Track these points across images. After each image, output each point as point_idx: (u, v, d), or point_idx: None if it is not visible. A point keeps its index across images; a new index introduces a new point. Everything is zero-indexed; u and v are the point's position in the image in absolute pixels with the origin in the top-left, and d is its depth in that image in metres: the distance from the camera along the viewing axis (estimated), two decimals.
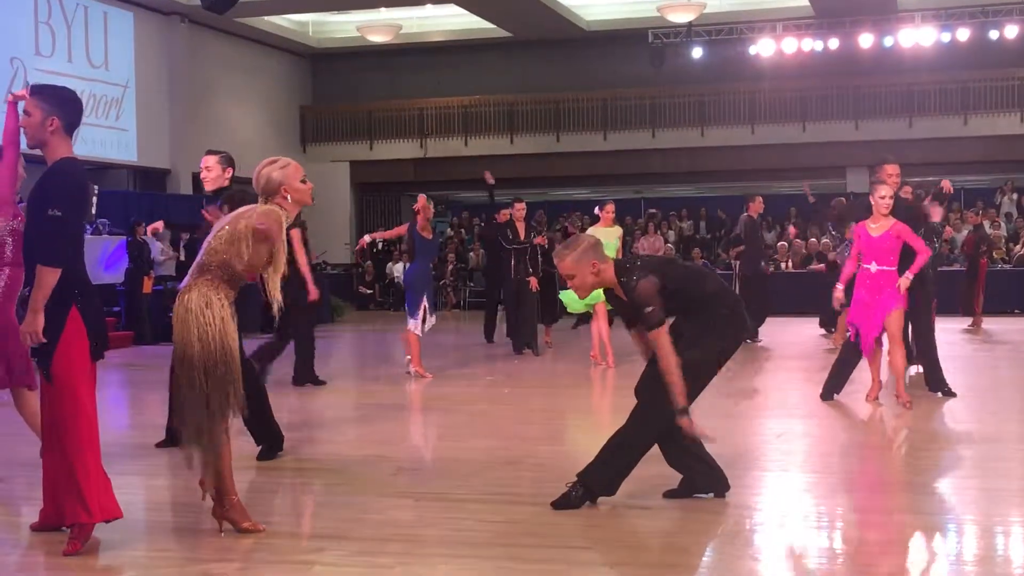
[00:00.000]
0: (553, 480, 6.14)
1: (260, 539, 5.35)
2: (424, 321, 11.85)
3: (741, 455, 7.71)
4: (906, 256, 9.10)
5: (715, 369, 6.09)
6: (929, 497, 6.36)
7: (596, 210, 13.44)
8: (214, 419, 5.29)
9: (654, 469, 7.33)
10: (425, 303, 11.85)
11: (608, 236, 12.49)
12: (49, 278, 5.10)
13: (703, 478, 6.11)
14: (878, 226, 9.13)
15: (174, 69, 23.31)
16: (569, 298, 12.33)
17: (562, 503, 5.84)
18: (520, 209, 14.67)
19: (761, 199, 16.34)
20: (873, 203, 9.18)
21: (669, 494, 6.07)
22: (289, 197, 5.43)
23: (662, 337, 5.73)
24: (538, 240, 14.82)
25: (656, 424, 5.94)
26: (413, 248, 12.08)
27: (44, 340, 5.17)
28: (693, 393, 5.91)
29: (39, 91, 5.44)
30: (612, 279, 5.88)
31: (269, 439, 7.36)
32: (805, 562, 5.11)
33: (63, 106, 5.38)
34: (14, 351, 6.57)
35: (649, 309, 5.73)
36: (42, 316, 5.12)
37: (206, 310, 5.27)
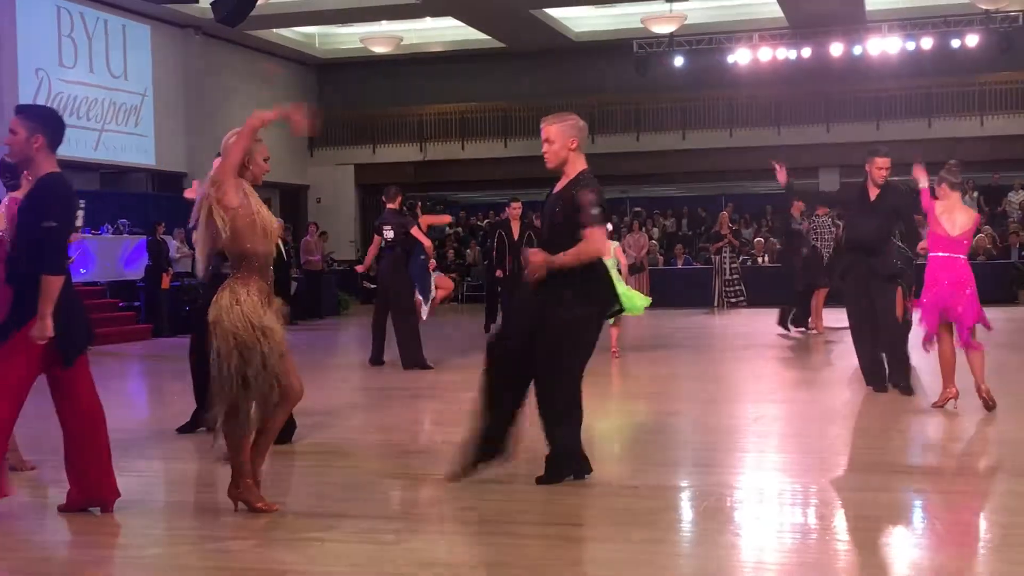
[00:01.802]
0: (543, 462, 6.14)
1: (274, 518, 5.36)
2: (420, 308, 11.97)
3: (721, 437, 7.75)
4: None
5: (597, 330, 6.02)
6: (896, 475, 6.39)
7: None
8: (243, 403, 5.29)
9: (643, 452, 7.37)
10: (418, 295, 11.95)
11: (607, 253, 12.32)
12: (54, 285, 5.14)
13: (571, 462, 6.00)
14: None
15: (189, 78, 23.28)
16: None
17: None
18: (516, 208, 14.68)
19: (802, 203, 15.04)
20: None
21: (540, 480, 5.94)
22: (250, 169, 5.44)
23: (598, 235, 5.72)
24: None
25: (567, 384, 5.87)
26: (412, 246, 12.07)
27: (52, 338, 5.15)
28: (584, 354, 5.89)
29: (23, 111, 5.45)
30: (575, 170, 5.86)
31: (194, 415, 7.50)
32: (781, 536, 5.14)
33: (47, 124, 5.40)
34: None
35: (596, 211, 5.71)
36: (51, 321, 5.12)
37: (235, 306, 5.26)
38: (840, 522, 5.38)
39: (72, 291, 5.41)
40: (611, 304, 6.06)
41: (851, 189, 9.30)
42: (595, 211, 5.72)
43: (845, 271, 9.30)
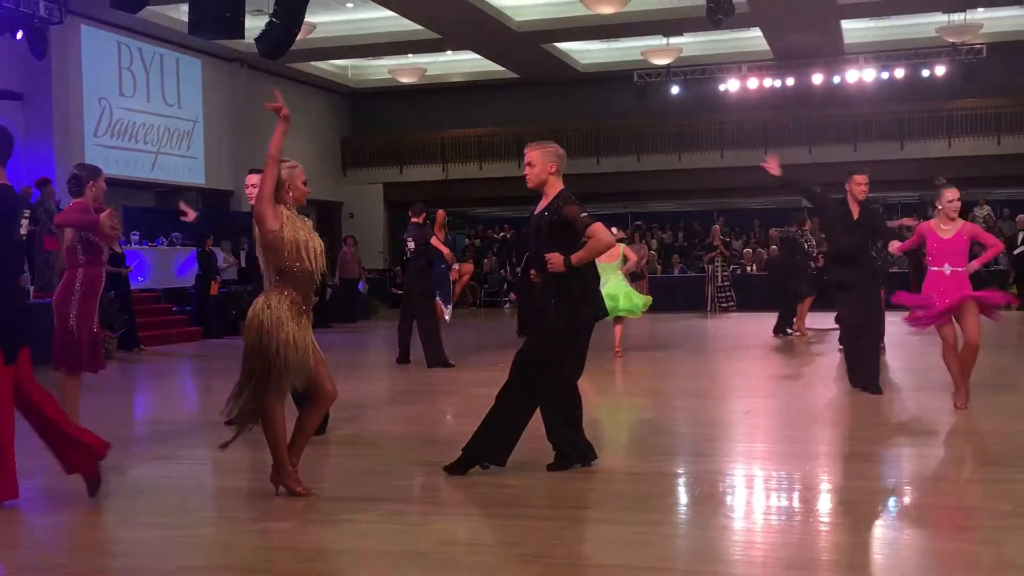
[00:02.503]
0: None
1: (311, 501, 5.36)
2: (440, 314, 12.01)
3: (715, 429, 7.71)
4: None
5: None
6: (872, 464, 6.35)
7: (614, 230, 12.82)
8: (267, 398, 5.29)
9: (644, 443, 7.34)
10: (438, 299, 11.99)
11: (609, 255, 12.25)
12: None
13: (575, 452, 5.96)
14: (949, 228, 7.94)
15: (235, 106, 23.35)
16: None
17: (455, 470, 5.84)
18: None
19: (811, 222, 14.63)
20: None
21: (551, 467, 5.92)
22: (291, 194, 5.42)
23: (600, 230, 5.65)
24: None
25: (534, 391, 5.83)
26: (433, 256, 12.08)
27: None
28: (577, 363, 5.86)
29: None
30: (554, 191, 5.83)
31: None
32: (768, 519, 5.11)
33: None
34: (86, 340, 6.63)
35: (583, 215, 5.68)
36: None
37: (265, 310, 5.28)
38: (823, 506, 5.35)
39: (14, 292, 5.39)
40: (596, 309, 5.93)
41: (833, 205, 9.22)
42: (584, 215, 5.71)
43: (840, 283, 9.13)
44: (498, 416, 5.86)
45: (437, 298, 12.03)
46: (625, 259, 12.55)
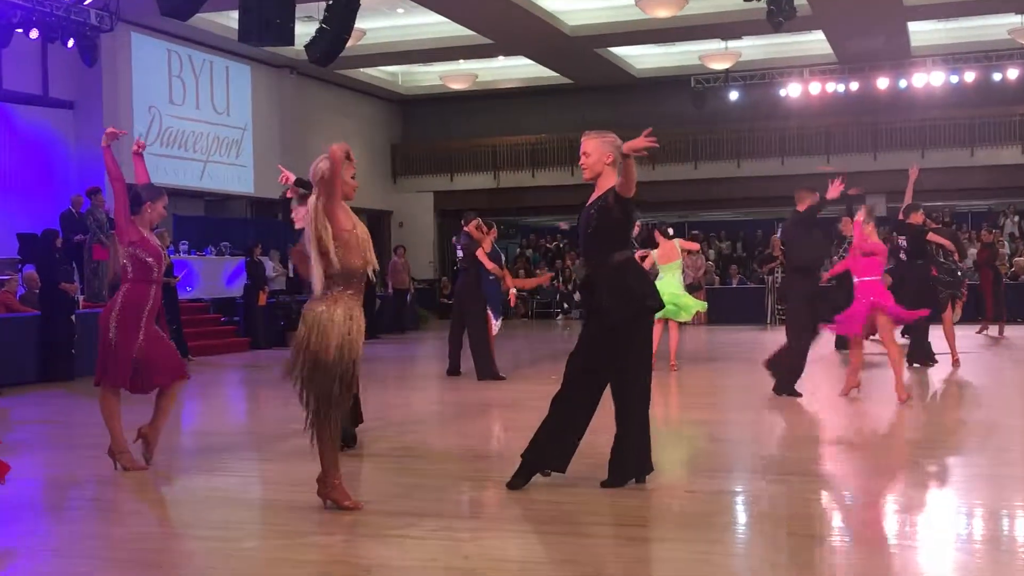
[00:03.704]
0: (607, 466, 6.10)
1: (359, 516, 5.39)
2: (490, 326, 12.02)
3: (773, 445, 7.64)
4: None
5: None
6: (944, 483, 6.25)
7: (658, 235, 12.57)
8: (335, 408, 5.34)
9: (701, 458, 7.30)
10: (490, 311, 12.01)
11: (670, 254, 12.26)
12: None
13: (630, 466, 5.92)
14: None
15: (284, 113, 23.64)
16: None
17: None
18: None
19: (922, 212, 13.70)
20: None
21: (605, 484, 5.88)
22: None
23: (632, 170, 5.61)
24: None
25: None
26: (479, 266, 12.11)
27: None
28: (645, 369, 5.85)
29: None
30: (608, 183, 5.79)
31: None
32: (830, 539, 5.06)
33: None
34: (125, 357, 6.69)
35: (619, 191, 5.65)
36: None
37: (348, 321, 5.30)
38: (889, 526, 5.27)
39: None
40: (651, 300, 5.88)
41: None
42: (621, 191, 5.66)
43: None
44: (556, 420, 5.83)
45: (488, 311, 12.05)
46: (681, 267, 12.55)
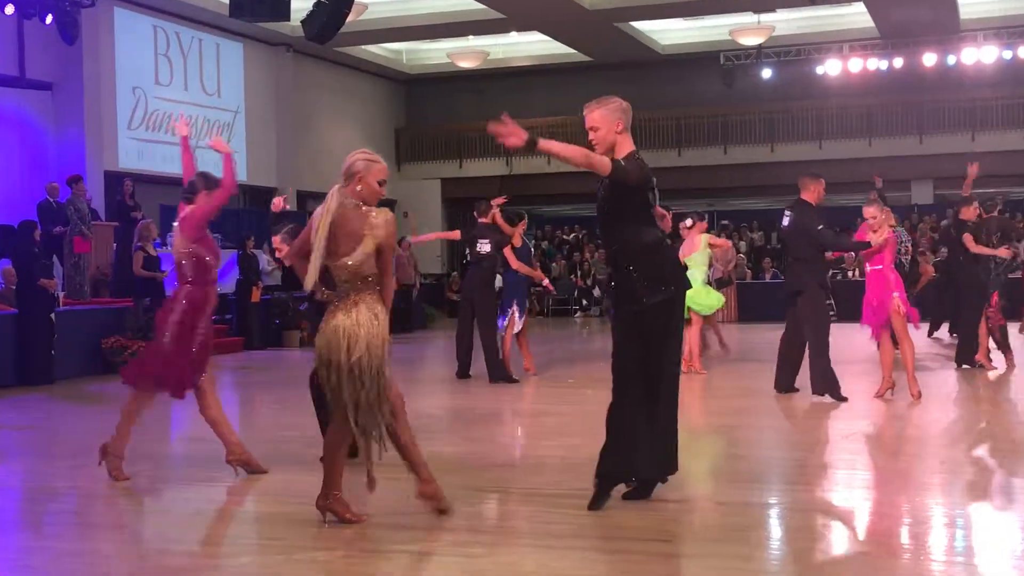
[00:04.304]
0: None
1: (361, 529, 5.41)
2: (512, 324, 12.00)
3: (808, 453, 7.63)
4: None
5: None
6: (993, 495, 6.22)
7: (688, 222, 12.63)
8: (375, 415, 5.36)
9: (731, 468, 7.29)
10: (515, 307, 12.01)
11: (695, 246, 12.31)
12: None
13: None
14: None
15: (280, 95, 23.70)
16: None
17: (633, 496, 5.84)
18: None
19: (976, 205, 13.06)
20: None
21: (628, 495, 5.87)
22: (360, 188, 5.41)
23: (605, 160, 5.57)
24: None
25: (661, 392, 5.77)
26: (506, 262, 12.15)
27: None
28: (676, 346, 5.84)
29: None
30: (622, 152, 5.74)
31: None
32: (871, 556, 5.04)
33: None
34: (178, 361, 6.72)
35: (623, 162, 5.61)
36: None
37: (374, 322, 5.30)
38: (935, 541, 5.25)
39: None
40: (682, 284, 5.87)
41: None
42: (622, 162, 5.63)
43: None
44: (617, 428, 5.77)
45: (513, 307, 12.07)
46: (710, 261, 12.55)
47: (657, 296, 5.68)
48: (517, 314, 12.06)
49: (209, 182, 6.90)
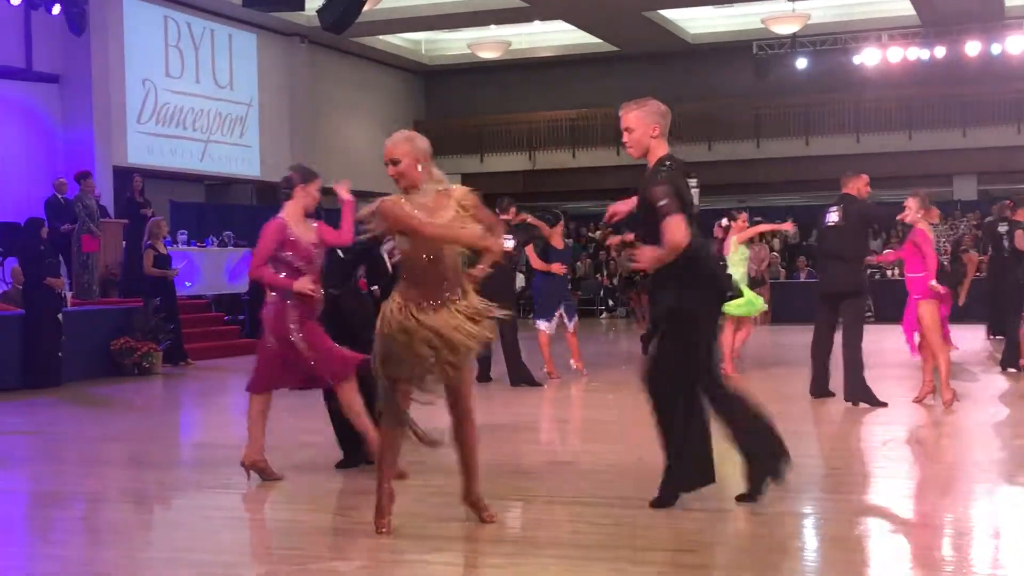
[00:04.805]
0: (658, 483, 6.09)
1: (380, 539, 5.41)
2: (560, 326, 12.15)
3: (846, 460, 7.60)
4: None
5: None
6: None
7: (724, 222, 12.74)
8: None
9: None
10: (562, 310, 12.13)
11: (728, 246, 12.40)
12: None
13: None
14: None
15: (294, 87, 23.77)
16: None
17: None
18: None
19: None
20: None
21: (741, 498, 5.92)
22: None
23: (676, 224, 5.56)
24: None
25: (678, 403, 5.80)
26: (547, 258, 12.25)
27: None
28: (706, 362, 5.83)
29: None
30: (655, 157, 5.80)
31: (352, 450, 7.33)
32: (911, 567, 5.01)
33: None
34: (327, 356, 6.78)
35: (665, 201, 5.61)
36: None
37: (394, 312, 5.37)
38: (978, 553, 5.22)
39: None
40: (723, 288, 5.90)
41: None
42: (663, 202, 5.63)
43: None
44: (670, 442, 5.81)
45: (560, 309, 12.20)
46: (747, 253, 12.61)
47: (698, 302, 5.72)
48: (565, 317, 12.23)
49: (305, 175, 6.93)
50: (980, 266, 17.18)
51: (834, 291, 9.73)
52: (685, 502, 5.91)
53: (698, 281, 5.75)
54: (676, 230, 5.60)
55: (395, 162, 5.52)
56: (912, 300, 9.58)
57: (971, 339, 15.38)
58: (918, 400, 9.73)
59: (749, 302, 12.09)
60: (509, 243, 11.90)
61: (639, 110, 5.86)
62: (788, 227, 14.70)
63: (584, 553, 5.23)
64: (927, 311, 9.45)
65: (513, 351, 11.81)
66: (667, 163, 5.80)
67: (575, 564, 5.11)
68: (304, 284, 6.62)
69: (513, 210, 12.18)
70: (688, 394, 5.79)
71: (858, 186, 9.90)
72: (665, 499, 5.86)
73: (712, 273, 5.92)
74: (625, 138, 5.90)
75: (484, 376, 12.20)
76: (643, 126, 5.83)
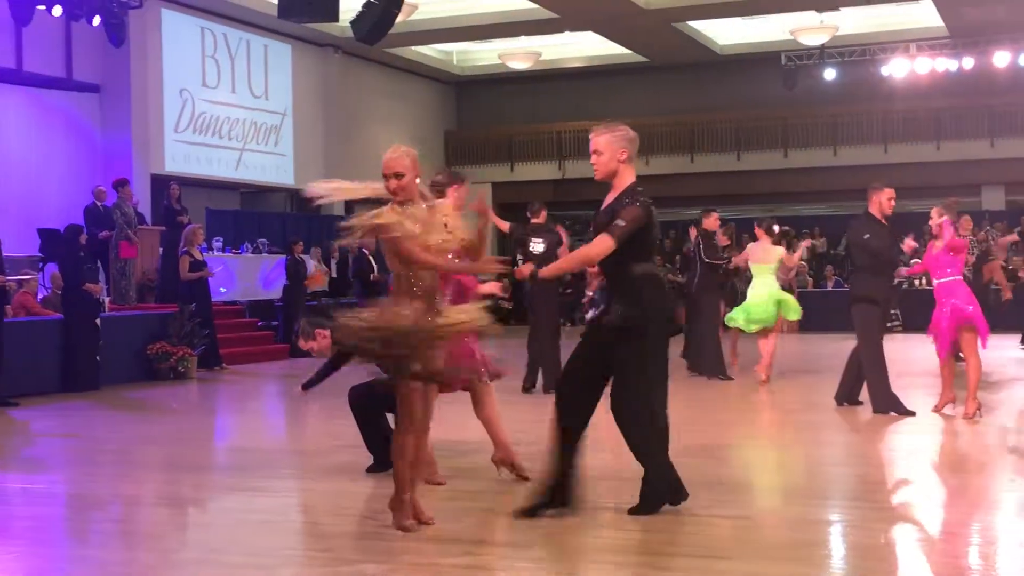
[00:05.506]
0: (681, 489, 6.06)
1: (408, 542, 5.41)
2: None
3: (873, 468, 7.54)
4: None
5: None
6: None
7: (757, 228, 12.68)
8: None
9: (791, 483, 7.22)
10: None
11: (767, 256, 12.35)
12: None
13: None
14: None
15: (328, 97, 23.87)
16: (742, 316, 12.39)
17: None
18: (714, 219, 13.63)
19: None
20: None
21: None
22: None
23: (603, 243, 5.63)
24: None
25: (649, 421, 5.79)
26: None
27: None
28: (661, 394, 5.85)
29: None
30: (624, 183, 5.83)
31: (381, 455, 7.30)
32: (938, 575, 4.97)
33: None
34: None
35: (622, 224, 5.63)
36: None
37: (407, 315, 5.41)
38: (1005, 563, 5.17)
39: None
40: (664, 315, 5.88)
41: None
42: (620, 223, 5.66)
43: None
44: (645, 461, 5.82)
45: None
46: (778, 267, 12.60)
47: (642, 327, 5.70)
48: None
49: (455, 178, 7.01)
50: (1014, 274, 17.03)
51: (849, 298, 9.86)
52: (712, 509, 5.88)
53: (642, 307, 5.73)
54: (600, 249, 5.67)
55: (398, 176, 5.57)
56: (940, 306, 9.42)
57: (1004, 347, 15.21)
58: (936, 410, 9.64)
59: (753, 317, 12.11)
60: (539, 246, 11.89)
61: (609, 134, 5.88)
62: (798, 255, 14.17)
63: (612, 558, 5.22)
64: (967, 341, 9.31)
65: (551, 357, 11.71)
66: (639, 189, 5.83)
67: (605, 568, 5.10)
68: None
69: (544, 213, 12.15)
70: (650, 409, 5.82)
71: (880, 200, 9.80)
72: (646, 508, 5.83)
73: (661, 298, 5.90)
74: (593, 160, 5.93)
75: (531, 384, 12.05)
76: (612, 150, 5.86)
